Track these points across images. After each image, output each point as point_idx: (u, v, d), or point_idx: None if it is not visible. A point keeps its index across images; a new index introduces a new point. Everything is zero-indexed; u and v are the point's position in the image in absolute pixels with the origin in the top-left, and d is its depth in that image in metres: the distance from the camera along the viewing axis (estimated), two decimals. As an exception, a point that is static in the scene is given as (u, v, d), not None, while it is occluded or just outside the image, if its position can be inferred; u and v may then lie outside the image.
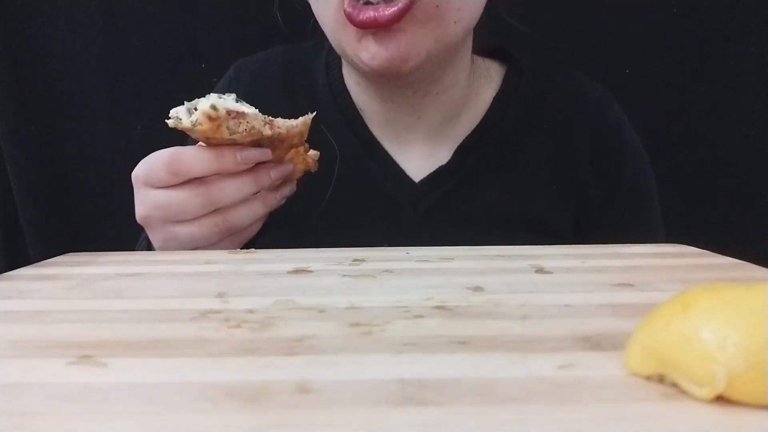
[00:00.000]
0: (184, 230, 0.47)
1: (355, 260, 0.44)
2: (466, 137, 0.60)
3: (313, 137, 0.56)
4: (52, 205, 0.81)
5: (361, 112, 0.60)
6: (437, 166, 0.59)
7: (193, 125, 0.44)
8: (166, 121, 0.45)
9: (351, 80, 0.60)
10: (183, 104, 0.46)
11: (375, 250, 0.49)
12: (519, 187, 0.59)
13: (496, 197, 0.59)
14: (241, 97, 0.47)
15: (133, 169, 0.46)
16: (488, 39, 0.61)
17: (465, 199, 0.59)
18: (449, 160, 0.59)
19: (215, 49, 0.78)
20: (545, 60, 0.64)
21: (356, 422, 0.19)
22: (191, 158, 0.45)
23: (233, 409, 0.20)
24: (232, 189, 0.46)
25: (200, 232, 0.47)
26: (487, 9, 0.53)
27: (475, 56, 0.61)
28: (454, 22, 0.49)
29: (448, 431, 0.18)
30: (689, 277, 0.39)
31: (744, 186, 0.81)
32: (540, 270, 0.41)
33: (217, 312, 0.31)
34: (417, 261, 0.44)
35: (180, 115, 0.45)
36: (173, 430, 0.19)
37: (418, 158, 0.60)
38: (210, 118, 0.43)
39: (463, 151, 0.59)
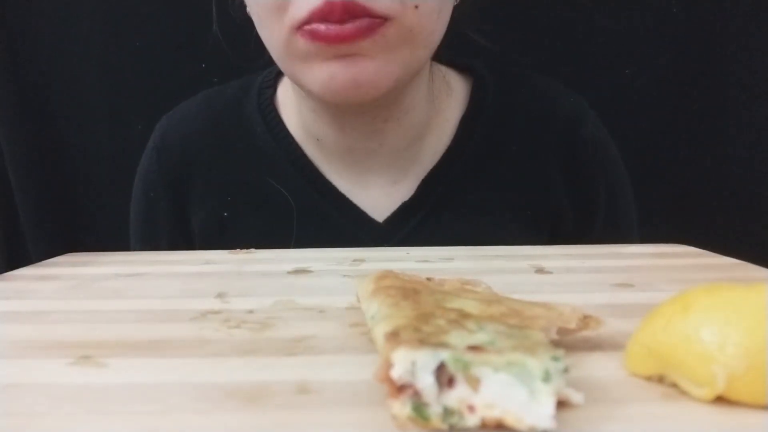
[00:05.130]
0: None
1: (355, 260, 0.44)
2: (428, 172, 0.55)
3: (264, 190, 0.52)
4: (52, 205, 0.81)
5: (318, 143, 0.55)
6: (400, 202, 0.55)
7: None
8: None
9: (306, 108, 0.54)
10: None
11: (375, 250, 0.49)
12: (488, 215, 0.56)
13: (464, 227, 0.55)
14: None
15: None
16: (447, 51, 0.55)
17: (432, 232, 0.55)
18: (412, 195, 0.55)
19: (215, 49, 0.78)
20: (509, 71, 0.60)
21: (356, 422, 0.19)
22: None
23: (233, 409, 0.20)
24: None
25: None
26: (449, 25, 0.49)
27: (434, 66, 0.56)
28: (424, 47, 0.46)
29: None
30: (689, 277, 0.39)
31: (744, 186, 0.81)
32: (540, 270, 0.41)
33: (217, 312, 0.31)
34: (417, 261, 0.44)
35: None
36: (173, 430, 0.19)
37: (381, 188, 0.56)
38: None
39: (426, 184, 0.55)
